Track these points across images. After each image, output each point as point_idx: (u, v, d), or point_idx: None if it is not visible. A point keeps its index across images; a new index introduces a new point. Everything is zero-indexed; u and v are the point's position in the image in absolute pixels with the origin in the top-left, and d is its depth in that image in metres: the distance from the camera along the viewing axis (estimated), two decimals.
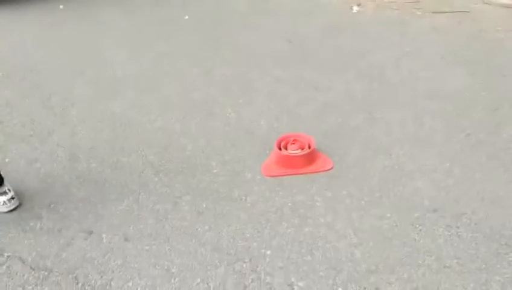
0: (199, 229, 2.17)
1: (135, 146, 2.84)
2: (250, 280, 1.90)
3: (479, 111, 2.96)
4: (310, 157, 2.55)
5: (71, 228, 2.25)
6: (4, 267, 2.04)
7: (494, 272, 1.85)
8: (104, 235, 2.19)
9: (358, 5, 5.10)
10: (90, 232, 2.21)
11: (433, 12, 4.76)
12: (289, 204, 2.30)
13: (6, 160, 2.78)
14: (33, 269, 2.02)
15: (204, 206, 2.31)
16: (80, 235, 2.20)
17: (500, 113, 2.93)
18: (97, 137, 2.96)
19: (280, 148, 2.60)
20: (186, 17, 5.09)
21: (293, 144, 2.59)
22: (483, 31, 4.21)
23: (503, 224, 2.08)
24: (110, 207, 2.37)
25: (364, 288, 1.83)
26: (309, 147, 2.57)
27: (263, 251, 2.04)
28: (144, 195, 2.43)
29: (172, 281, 1.93)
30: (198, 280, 1.92)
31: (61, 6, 5.69)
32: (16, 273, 2.00)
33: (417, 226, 2.10)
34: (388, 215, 2.17)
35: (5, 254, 2.11)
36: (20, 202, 2.39)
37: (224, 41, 4.38)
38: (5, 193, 2.34)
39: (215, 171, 2.57)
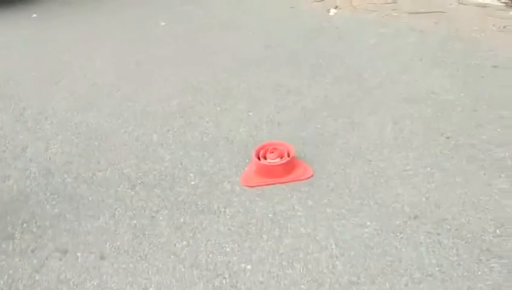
0: (177, 244, 2.12)
1: (111, 159, 2.77)
2: None
3: (458, 113, 2.96)
4: (290, 165, 2.52)
5: (45, 247, 2.18)
6: None
7: (477, 280, 1.84)
8: (79, 254, 2.13)
9: (336, 7, 5.09)
10: (65, 252, 2.15)
11: (410, 13, 4.77)
12: (269, 215, 2.26)
13: None
14: None
15: (182, 220, 2.26)
16: (54, 255, 2.14)
17: (479, 114, 2.93)
18: (72, 151, 2.88)
19: (259, 158, 2.56)
20: (163, 23, 5.02)
21: (272, 152, 2.55)
22: (460, 31, 4.22)
23: (484, 229, 2.07)
24: (86, 224, 2.31)
25: None
26: (288, 156, 2.54)
27: (243, 265, 2.00)
28: (120, 210, 2.37)
29: None
30: None
31: (34, 15, 5.57)
32: None
33: (398, 234, 2.07)
34: (368, 223, 2.15)
35: None
36: None
37: (201, 48, 4.32)
38: None
39: (193, 183, 2.53)
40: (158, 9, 5.58)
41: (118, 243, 2.17)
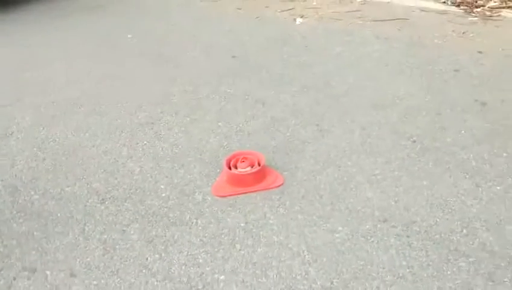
0: (149, 258, 2.10)
1: (79, 174, 2.73)
2: None
3: (423, 117, 3.03)
4: (260, 174, 2.53)
5: (13, 267, 2.12)
6: None
7: (446, 279, 1.88)
8: (48, 273, 2.08)
9: (302, 16, 5.16)
10: (34, 271, 2.09)
11: (374, 21, 4.87)
12: (242, 224, 2.26)
13: None
14: None
15: (153, 233, 2.24)
16: (22, 274, 2.08)
17: (443, 117, 3.01)
18: (38, 167, 2.82)
19: (230, 167, 2.56)
20: (129, 35, 4.99)
21: (243, 162, 2.56)
22: (422, 38, 4.34)
23: (451, 229, 2.12)
24: (55, 241, 2.25)
25: None
26: (259, 164, 2.55)
27: (216, 275, 1.99)
28: (90, 225, 2.33)
29: None
30: None
31: None
32: None
33: (369, 238, 2.10)
34: (340, 228, 2.17)
35: None
36: None
37: (168, 59, 4.31)
38: None
39: (164, 195, 2.50)
40: (124, 22, 5.55)
41: (88, 259, 2.13)
